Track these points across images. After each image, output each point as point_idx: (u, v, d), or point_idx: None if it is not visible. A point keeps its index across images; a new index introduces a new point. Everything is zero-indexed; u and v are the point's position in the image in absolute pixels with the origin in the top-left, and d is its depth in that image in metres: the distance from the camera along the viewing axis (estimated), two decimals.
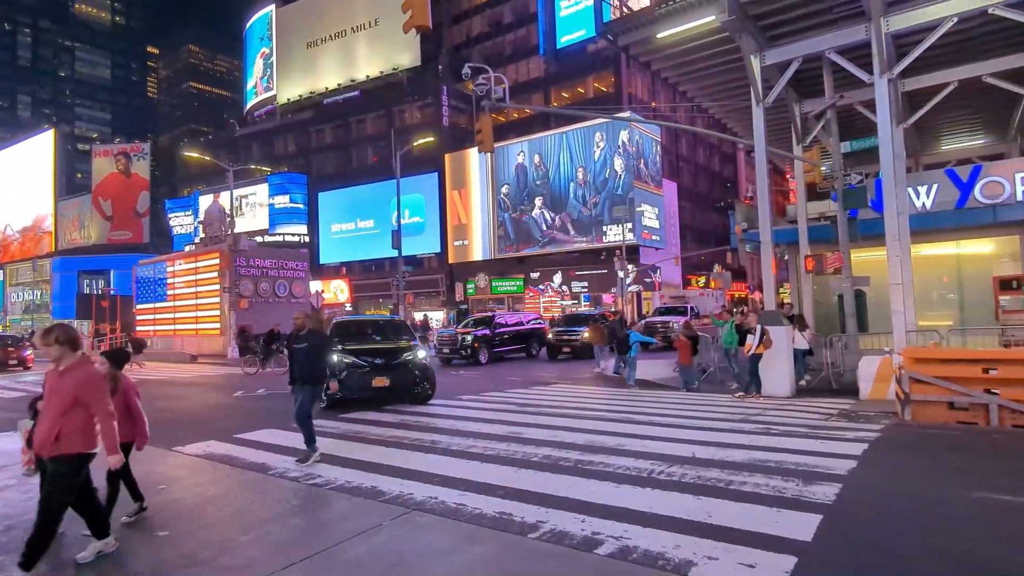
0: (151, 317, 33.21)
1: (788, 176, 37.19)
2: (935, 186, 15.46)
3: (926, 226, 14.99)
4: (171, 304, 31.73)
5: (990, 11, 10.78)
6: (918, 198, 15.45)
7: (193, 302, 30.16)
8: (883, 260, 11.81)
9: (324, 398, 10.39)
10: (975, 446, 7.16)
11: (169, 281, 32.00)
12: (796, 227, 15.97)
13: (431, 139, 41.45)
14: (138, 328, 34.42)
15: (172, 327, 31.43)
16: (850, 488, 5.38)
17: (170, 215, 69.88)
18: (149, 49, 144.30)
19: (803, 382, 12.53)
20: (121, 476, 4.90)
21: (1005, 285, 13.39)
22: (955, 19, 11.05)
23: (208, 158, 37.84)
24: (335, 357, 10.44)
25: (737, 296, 54.37)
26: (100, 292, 41.34)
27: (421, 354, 11.48)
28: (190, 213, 66.55)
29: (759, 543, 4.12)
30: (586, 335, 21.19)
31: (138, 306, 34.59)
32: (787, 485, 5.48)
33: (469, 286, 50.14)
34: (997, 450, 6.99)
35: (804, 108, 15.82)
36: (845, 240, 13.72)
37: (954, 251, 16.36)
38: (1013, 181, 14.55)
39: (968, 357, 8.66)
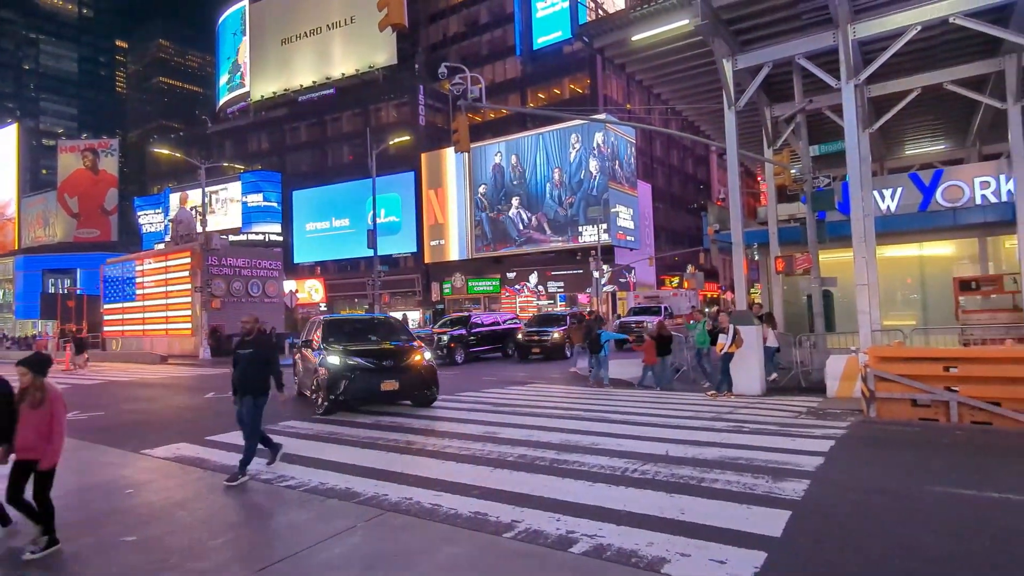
0: (119, 317, 32.45)
1: (759, 178, 37.83)
2: (899, 189, 15.94)
3: (891, 228, 15.46)
4: (140, 304, 31.03)
5: (951, 20, 11.14)
6: (883, 201, 15.91)
7: (163, 302, 29.55)
8: (850, 261, 12.11)
9: (325, 404, 9.85)
10: (936, 442, 7.39)
11: (138, 280, 31.28)
12: (767, 229, 16.31)
13: (407, 138, 41.19)
14: (105, 328, 33.64)
15: (141, 327, 30.75)
16: (818, 484, 5.51)
17: (139, 213, 68.27)
18: (118, 43, 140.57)
19: (773, 377, 12.81)
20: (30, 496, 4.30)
21: (965, 286, 13.83)
22: (918, 27, 11.39)
23: (179, 155, 37.07)
24: (337, 359, 9.95)
25: (709, 296, 55.11)
26: (66, 292, 40.28)
27: (427, 355, 10.96)
28: (160, 211, 65.14)
29: (730, 539, 4.20)
30: (556, 336, 21.31)
31: (105, 306, 33.77)
32: (757, 482, 5.59)
33: (445, 286, 49.97)
34: (957, 446, 7.22)
35: (775, 112, 16.14)
36: (814, 241, 14.05)
37: (917, 253, 16.88)
38: (972, 185, 15.09)
39: (930, 356, 8.93)
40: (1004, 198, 14.59)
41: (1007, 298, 13.24)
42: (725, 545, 4.10)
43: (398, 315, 40.86)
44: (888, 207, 15.93)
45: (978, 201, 15.03)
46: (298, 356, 12.60)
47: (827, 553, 4.06)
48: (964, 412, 8.25)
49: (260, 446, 6.42)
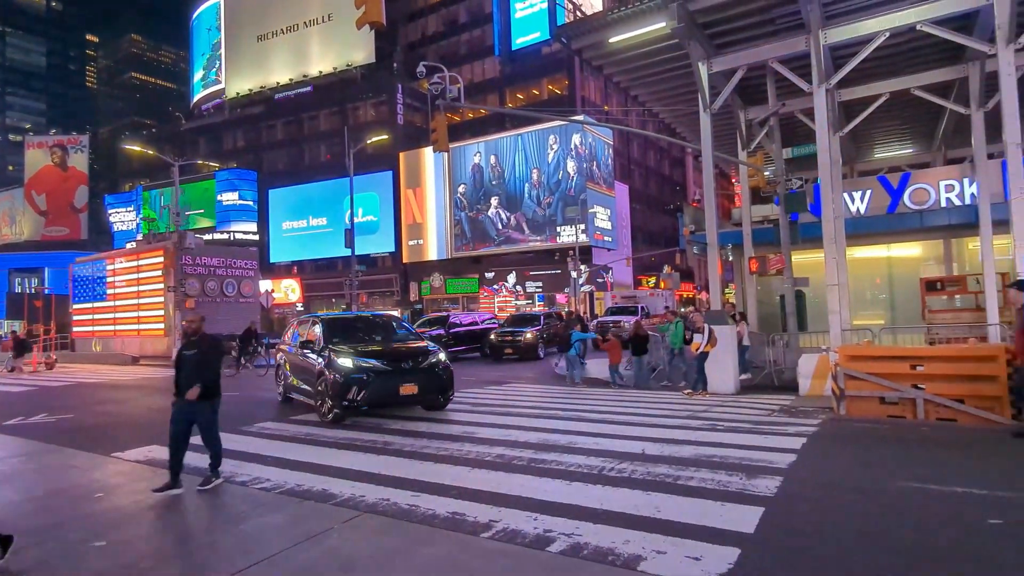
0: (89, 317, 31.73)
1: (734, 180, 38.42)
2: (868, 192, 16.33)
3: (860, 230, 15.82)
4: (111, 304, 30.40)
5: (918, 27, 11.45)
6: (853, 203, 16.28)
7: (135, 301, 28.98)
8: (822, 262, 12.37)
9: (336, 411, 9.10)
10: (904, 439, 7.58)
11: (109, 280, 30.63)
12: (741, 230, 16.58)
13: (385, 137, 40.99)
14: (75, 329, 32.89)
15: (112, 327, 30.11)
16: (790, 481, 5.61)
17: (110, 211, 66.77)
18: (88, 37, 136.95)
19: (745, 376, 13.06)
20: None
21: (931, 286, 14.21)
22: (887, 34, 11.69)
23: (152, 152, 36.26)
24: (348, 361, 9.17)
25: (685, 296, 55.78)
26: (33, 291, 39.28)
27: (443, 355, 10.24)
28: (132, 209, 63.84)
29: (705, 536, 4.26)
30: (529, 336, 21.41)
31: (75, 306, 33.02)
32: (731, 479, 5.68)
33: (424, 286, 49.80)
34: (923, 442, 7.41)
35: (749, 115, 16.41)
36: (786, 242, 14.32)
37: (885, 254, 17.31)
38: (938, 188, 15.52)
39: (897, 354, 9.17)
40: (968, 201, 15.04)
41: (970, 298, 13.64)
42: (700, 542, 4.16)
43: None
44: (858, 209, 16.31)
45: (943, 204, 15.47)
46: (282, 358, 11.80)
47: (799, 548, 4.15)
48: (930, 409, 8.48)
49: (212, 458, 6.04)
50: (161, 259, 27.41)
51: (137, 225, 60.60)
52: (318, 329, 10.38)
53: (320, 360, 9.64)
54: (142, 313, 28.68)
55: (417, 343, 10.57)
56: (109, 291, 30.57)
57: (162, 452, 7.42)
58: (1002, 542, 4.21)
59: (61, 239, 56.88)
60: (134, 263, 29.34)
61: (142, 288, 28.69)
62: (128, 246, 34.69)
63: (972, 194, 14.82)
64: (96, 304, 31.40)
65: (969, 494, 5.19)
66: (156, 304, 27.90)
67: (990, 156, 14.19)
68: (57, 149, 58.45)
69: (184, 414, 5.84)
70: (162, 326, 27.58)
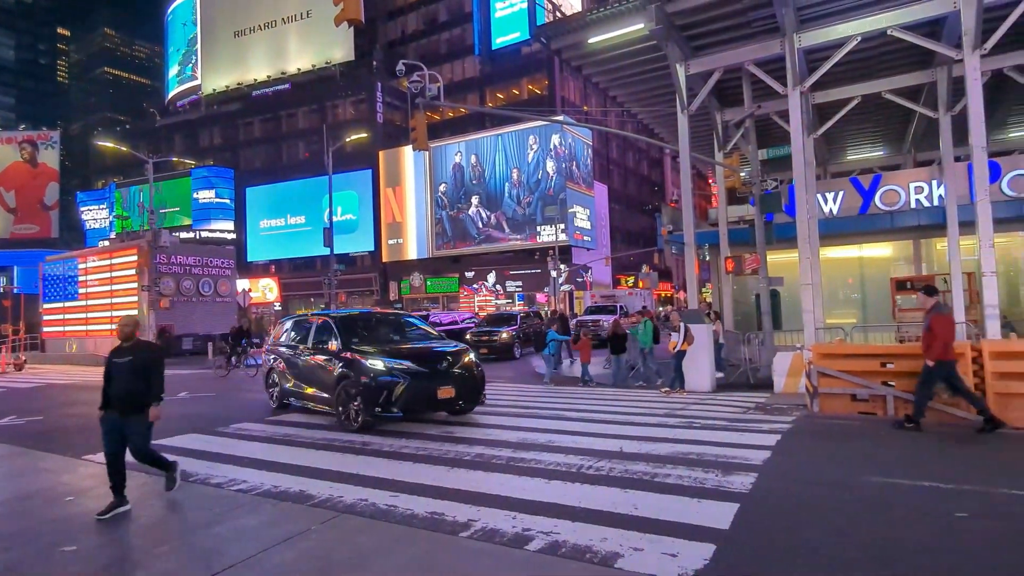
0: (60, 317, 31.06)
1: (711, 181, 38.90)
2: (841, 193, 16.65)
3: (833, 230, 16.14)
4: (83, 303, 29.79)
5: (888, 32, 11.70)
6: (826, 204, 16.60)
7: (108, 301, 28.43)
8: (796, 261, 12.59)
9: (365, 418, 8.32)
10: (874, 435, 7.75)
11: (81, 279, 30.02)
12: (718, 230, 16.80)
13: (364, 135, 40.70)
14: (45, 329, 32.17)
15: (84, 327, 29.52)
16: (764, 477, 5.71)
17: (82, 208, 65.33)
18: (60, 31, 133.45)
19: (721, 374, 13.27)
20: None
21: (901, 286, 14.54)
22: (859, 38, 11.93)
23: (125, 149, 35.49)
24: (380, 363, 8.41)
25: (663, 295, 56.38)
26: (1, 290, 38.27)
27: (473, 355, 9.61)
28: (105, 206, 62.54)
29: (681, 533, 4.32)
30: (505, 336, 21.46)
31: (45, 305, 32.31)
32: (708, 476, 5.76)
33: (404, 285, 49.56)
34: (893, 438, 7.58)
35: (725, 116, 16.62)
36: (762, 242, 14.54)
37: (857, 254, 17.68)
38: (907, 190, 15.89)
39: (868, 352, 9.36)
40: (936, 203, 15.42)
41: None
42: (677, 538, 4.21)
43: None
44: (831, 210, 16.62)
45: (913, 205, 15.84)
46: (275, 360, 10.85)
47: (772, 543, 4.23)
48: (900, 406, 8.67)
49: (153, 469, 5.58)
50: (135, 258, 26.95)
51: (110, 223, 59.37)
52: (332, 328, 9.49)
53: (338, 362, 8.87)
54: (115, 313, 28.12)
55: (448, 342, 9.97)
56: (81, 290, 29.98)
57: None
58: (967, 534, 4.33)
59: (31, 237, 55.46)
60: (107, 262, 28.80)
61: (115, 287, 28.18)
62: (101, 244, 34.03)
63: (940, 196, 15.19)
64: (67, 304, 30.78)
65: (936, 488, 5.32)
66: (130, 304, 27.42)
67: (957, 159, 14.54)
68: (27, 145, 56.96)
69: (117, 430, 5.22)
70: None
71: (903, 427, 7.87)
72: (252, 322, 33.44)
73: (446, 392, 8.59)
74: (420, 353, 8.97)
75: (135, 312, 25.34)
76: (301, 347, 10.16)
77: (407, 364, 8.52)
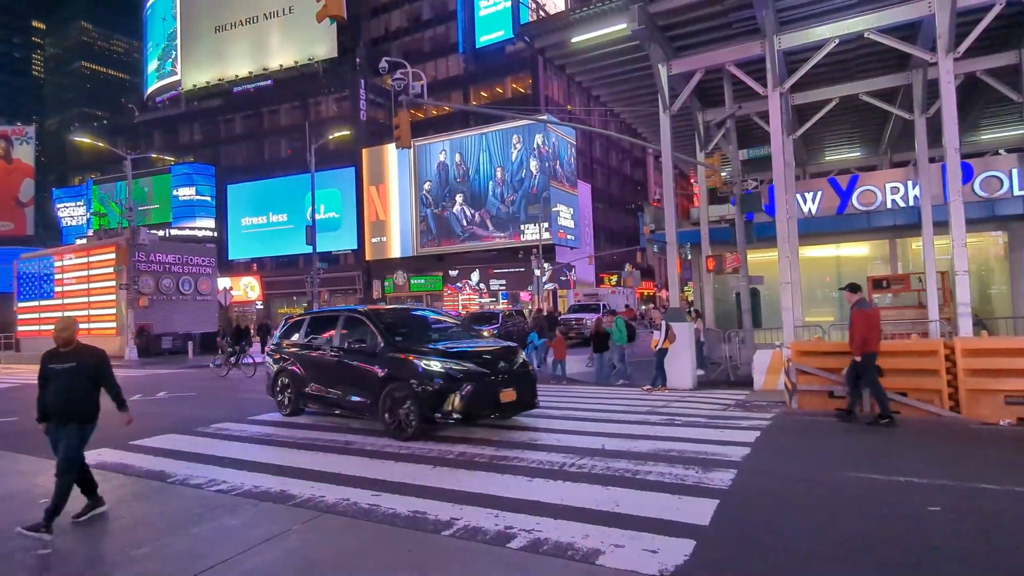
0: (35, 316, 30.52)
1: (692, 180, 39.24)
2: (820, 193, 16.90)
3: (812, 230, 16.37)
4: (59, 302, 29.30)
5: (865, 35, 11.89)
6: (805, 204, 16.82)
7: (85, 300, 28.02)
8: (775, 261, 12.75)
9: (419, 424, 7.63)
10: (851, 431, 7.90)
11: (57, 277, 29.54)
12: (699, 229, 16.95)
13: (348, 133, 40.44)
14: (19, 328, 31.57)
15: None
16: (744, 473, 5.79)
17: (59, 205, 64.09)
18: (35, 24, 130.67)
19: (702, 371, 13.43)
20: None
21: (877, 284, 14.79)
22: (836, 41, 12.11)
23: (103, 144, 34.88)
24: (437, 364, 7.69)
25: (646, 294, 56.81)
26: None
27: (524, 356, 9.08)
28: (82, 203, 61.44)
29: (662, 529, 4.36)
30: (485, 335, 21.52)
31: (19, 304, 31.75)
32: (688, 473, 5.82)
33: (387, 283, 49.34)
34: (869, 434, 7.72)
35: (707, 117, 16.77)
36: (742, 242, 14.70)
37: (835, 253, 17.96)
38: (884, 190, 16.17)
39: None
40: (911, 203, 15.70)
41: (913, 296, 14.26)
42: (657, 535, 4.25)
43: None
44: (810, 210, 16.85)
45: (889, 205, 16.11)
46: (286, 362, 9.88)
47: (750, 538, 4.29)
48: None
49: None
50: (113, 256, 26.58)
51: (88, 220, 58.32)
52: (368, 326, 8.62)
53: (381, 364, 8.11)
54: (93, 312, 27.76)
55: (496, 340, 9.34)
56: (57, 289, 29.51)
57: (112, 455, 7.25)
58: (941, 527, 4.43)
59: (5, 235, 54.31)
60: (84, 260, 28.41)
61: (93, 286, 27.79)
62: (78, 242, 33.45)
63: (915, 196, 15.47)
64: (43, 302, 30.28)
65: (911, 483, 5.43)
66: (108, 302, 27.10)
67: (932, 160, 14.82)
68: (0, 140, 55.66)
69: (59, 438, 4.87)
70: (114, 325, 26.85)
71: (876, 424, 8.05)
72: (233, 320, 33.07)
73: (508, 395, 7.93)
74: (477, 353, 8.20)
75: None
76: (325, 347, 9.24)
77: (468, 365, 7.80)
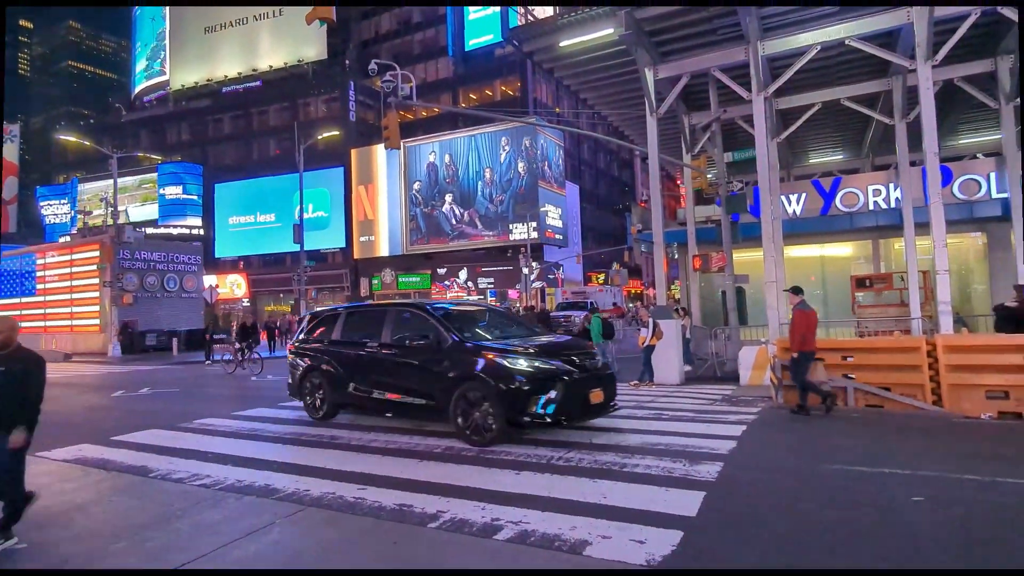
0: (16, 313, 30.06)
1: (679, 182, 39.52)
2: (803, 195, 17.12)
3: (796, 230, 16.58)
4: (41, 299, 28.98)
5: (847, 42, 12.10)
6: (789, 205, 17.03)
7: (68, 297, 27.74)
8: (761, 260, 12.90)
9: (499, 429, 6.87)
10: (835, 425, 7.98)
11: (39, 274, 29.25)
12: (685, 229, 17.10)
13: (336, 133, 40.28)
14: None
15: (42, 323, 28.75)
16: (730, 466, 5.81)
17: (42, 203, 63.28)
18: (21, 22, 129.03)
19: (689, 367, 13.52)
20: None
21: (860, 283, 15.03)
22: (819, 47, 12.30)
23: (88, 143, 34.51)
24: (522, 362, 6.98)
25: (633, 292, 57.13)
26: None
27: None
28: (67, 201, 60.75)
29: (649, 520, 4.36)
30: None
31: (0, 301, 31.40)
32: (675, 465, 5.83)
33: (375, 281, 49.23)
34: (853, 427, 7.82)
35: (693, 120, 16.92)
36: (728, 242, 14.85)
37: (819, 253, 18.21)
38: (866, 192, 16.42)
39: (829, 346, 9.62)
40: (893, 204, 15.95)
41: (896, 294, 14.49)
42: (645, 526, 4.25)
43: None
44: (794, 211, 17.06)
45: (871, 207, 16.36)
46: (319, 358, 8.89)
47: (736, 529, 4.31)
48: (859, 397, 8.97)
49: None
50: (97, 253, 26.34)
51: (71, 218, 57.63)
52: (429, 320, 7.79)
53: (453, 361, 7.32)
54: (76, 309, 27.49)
55: (567, 337, 8.91)
56: (39, 286, 29.23)
57: (93, 451, 7.17)
58: (922, 517, 4.49)
59: None
60: (67, 257, 28.16)
61: (76, 283, 27.52)
62: (62, 240, 33.09)
63: (896, 198, 15.73)
64: (24, 299, 29.99)
65: (894, 474, 5.49)
66: (91, 299, 26.85)
67: (912, 164, 15.08)
68: None
69: None
70: (97, 322, 26.67)
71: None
72: (220, 318, 32.79)
73: (597, 396, 7.32)
74: (560, 349, 7.57)
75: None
76: (369, 343, 8.29)
77: (557, 364, 7.11)
